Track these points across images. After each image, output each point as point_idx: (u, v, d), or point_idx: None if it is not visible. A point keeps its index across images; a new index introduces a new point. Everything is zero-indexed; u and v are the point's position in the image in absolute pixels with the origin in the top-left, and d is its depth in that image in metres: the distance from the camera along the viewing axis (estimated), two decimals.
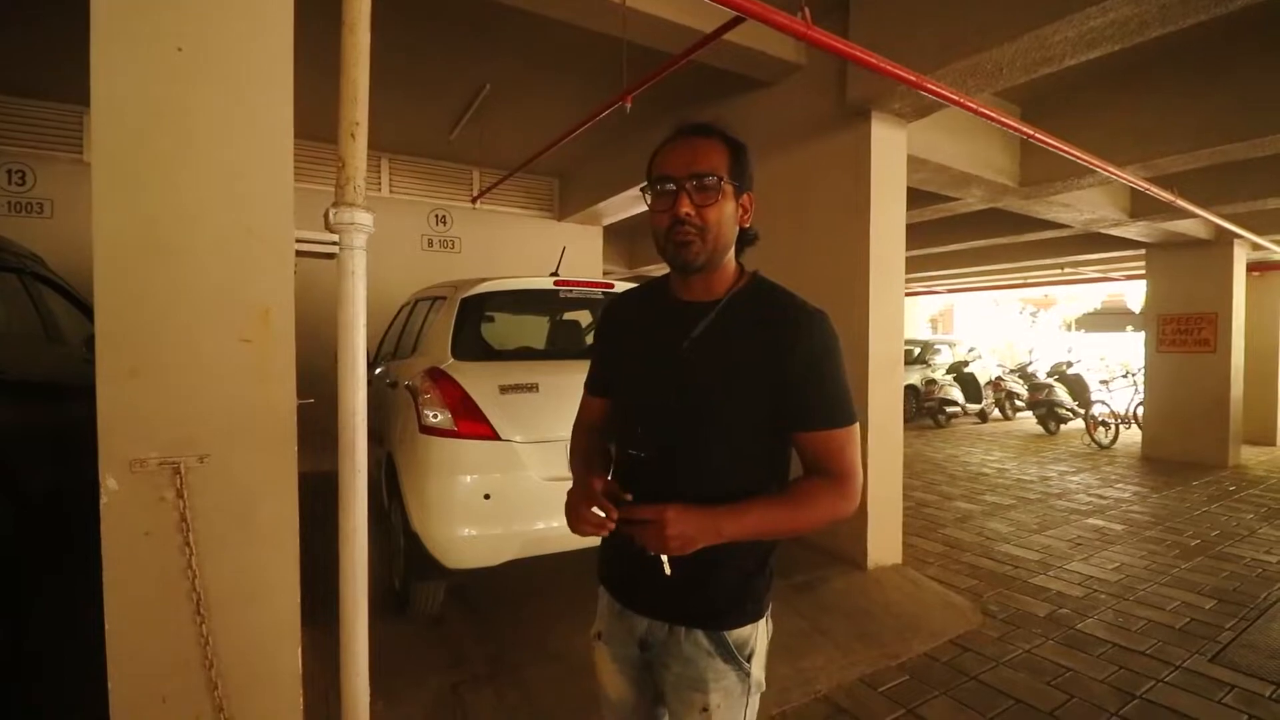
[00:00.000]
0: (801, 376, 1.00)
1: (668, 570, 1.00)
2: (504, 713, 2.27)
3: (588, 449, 1.27)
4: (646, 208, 1.08)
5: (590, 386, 1.31)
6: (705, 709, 1.06)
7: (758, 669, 1.09)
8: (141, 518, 1.52)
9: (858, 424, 1.04)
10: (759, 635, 1.09)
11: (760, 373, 1.01)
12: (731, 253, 1.09)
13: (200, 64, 1.57)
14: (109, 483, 1.49)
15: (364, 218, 1.60)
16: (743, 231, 1.10)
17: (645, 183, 1.07)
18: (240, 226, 1.63)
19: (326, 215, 1.59)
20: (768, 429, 1.04)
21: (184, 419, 1.56)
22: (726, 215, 1.03)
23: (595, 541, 1.17)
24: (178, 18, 1.54)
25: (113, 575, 1.50)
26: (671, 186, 1.02)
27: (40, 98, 4.99)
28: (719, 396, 1.03)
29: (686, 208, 1.00)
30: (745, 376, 1.02)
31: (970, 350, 13.18)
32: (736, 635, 1.06)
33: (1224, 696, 2.47)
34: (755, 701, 1.11)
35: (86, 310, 3.11)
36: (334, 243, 1.62)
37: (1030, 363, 12.32)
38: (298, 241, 1.77)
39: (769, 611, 1.13)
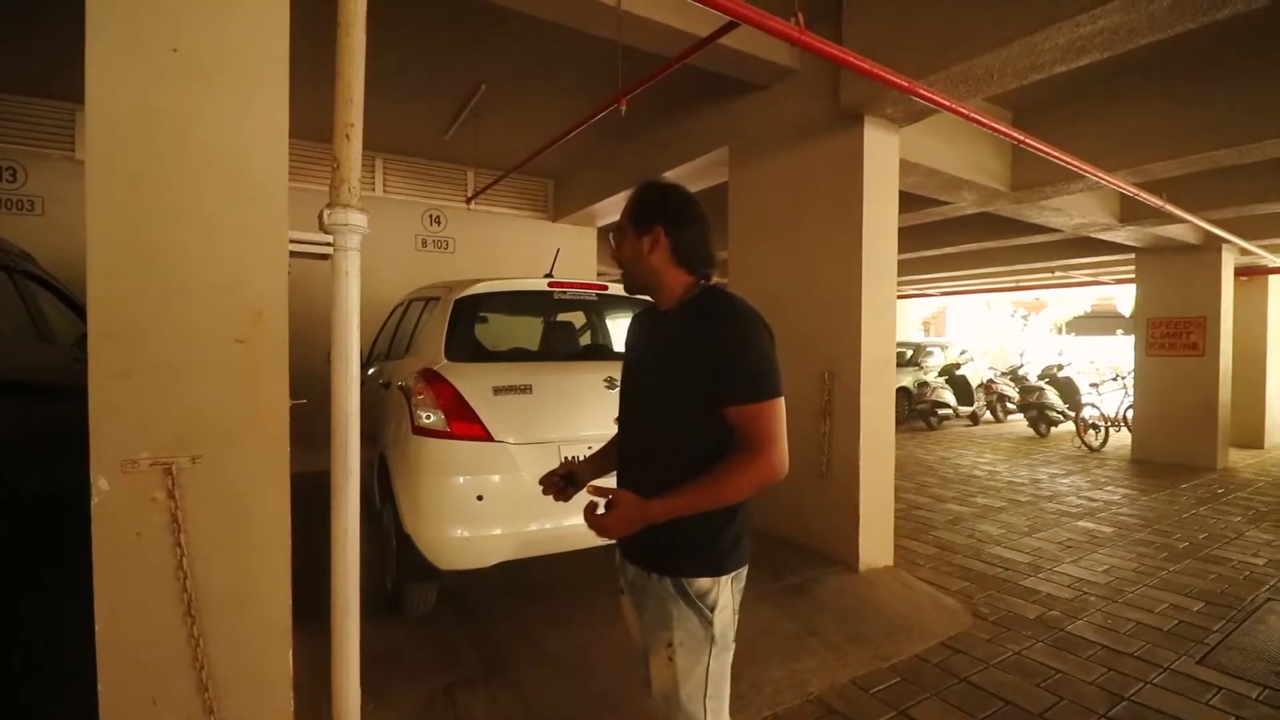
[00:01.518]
0: (724, 359, 1.21)
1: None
2: (497, 714, 2.26)
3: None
4: None
5: None
6: (670, 644, 1.25)
7: (721, 622, 1.26)
8: (133, 518, 1.52)
9: (780, 398, 1.22)
10: (721, 590, 1.26)
11: (695, 359, 1.23)
12: (676, 271, 1.33)
13: (196, 65, 1.57)
14: (100, 483, 1.48)
15: (358, 218, 1.60)
16: (678, 253, 1.32)
17: None
18: (234, 227, 1.63)
19: (321, 216, 1.59)
20: (706, 406, 1.23)
21: (176, 419, 1.56)
22: (630, 252, 1.34)
23: (591, 543, 1.30)
24: (173, 18, 1.54)
25: (103, 576, 1.50)
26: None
27: (32, 94, 4.96)
28: (666, 381, 1.30)
29: (612, 253, 1.38)
30: (684, 363, 1.25)
31: (962, 353, 13.26)
32: (698, 585, 1.25)
33: (1211, 698, 2.50)
34: (723, 657, 1.27)
35: (78, 309, 3.08)
36: (328, 243, 1.62)
37: (1021, 365, 12.41)
38: (292, 242, 1.77)
39: (736, 574, 1.30)
